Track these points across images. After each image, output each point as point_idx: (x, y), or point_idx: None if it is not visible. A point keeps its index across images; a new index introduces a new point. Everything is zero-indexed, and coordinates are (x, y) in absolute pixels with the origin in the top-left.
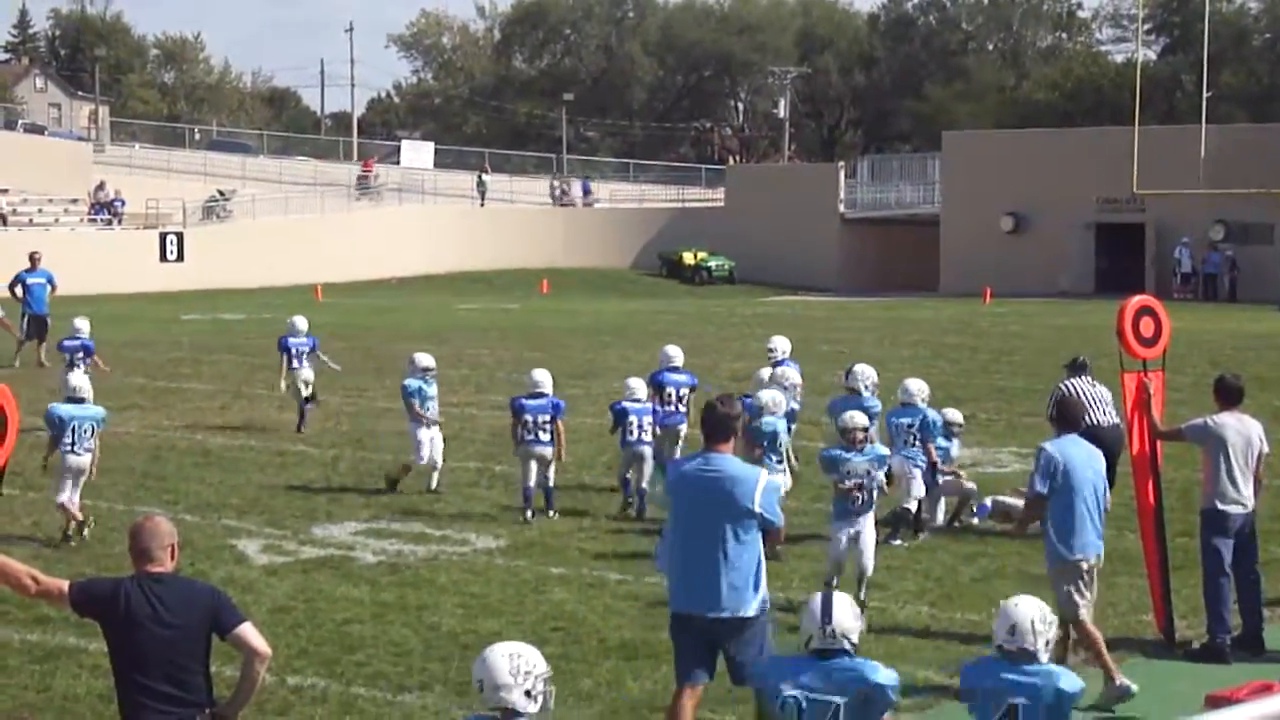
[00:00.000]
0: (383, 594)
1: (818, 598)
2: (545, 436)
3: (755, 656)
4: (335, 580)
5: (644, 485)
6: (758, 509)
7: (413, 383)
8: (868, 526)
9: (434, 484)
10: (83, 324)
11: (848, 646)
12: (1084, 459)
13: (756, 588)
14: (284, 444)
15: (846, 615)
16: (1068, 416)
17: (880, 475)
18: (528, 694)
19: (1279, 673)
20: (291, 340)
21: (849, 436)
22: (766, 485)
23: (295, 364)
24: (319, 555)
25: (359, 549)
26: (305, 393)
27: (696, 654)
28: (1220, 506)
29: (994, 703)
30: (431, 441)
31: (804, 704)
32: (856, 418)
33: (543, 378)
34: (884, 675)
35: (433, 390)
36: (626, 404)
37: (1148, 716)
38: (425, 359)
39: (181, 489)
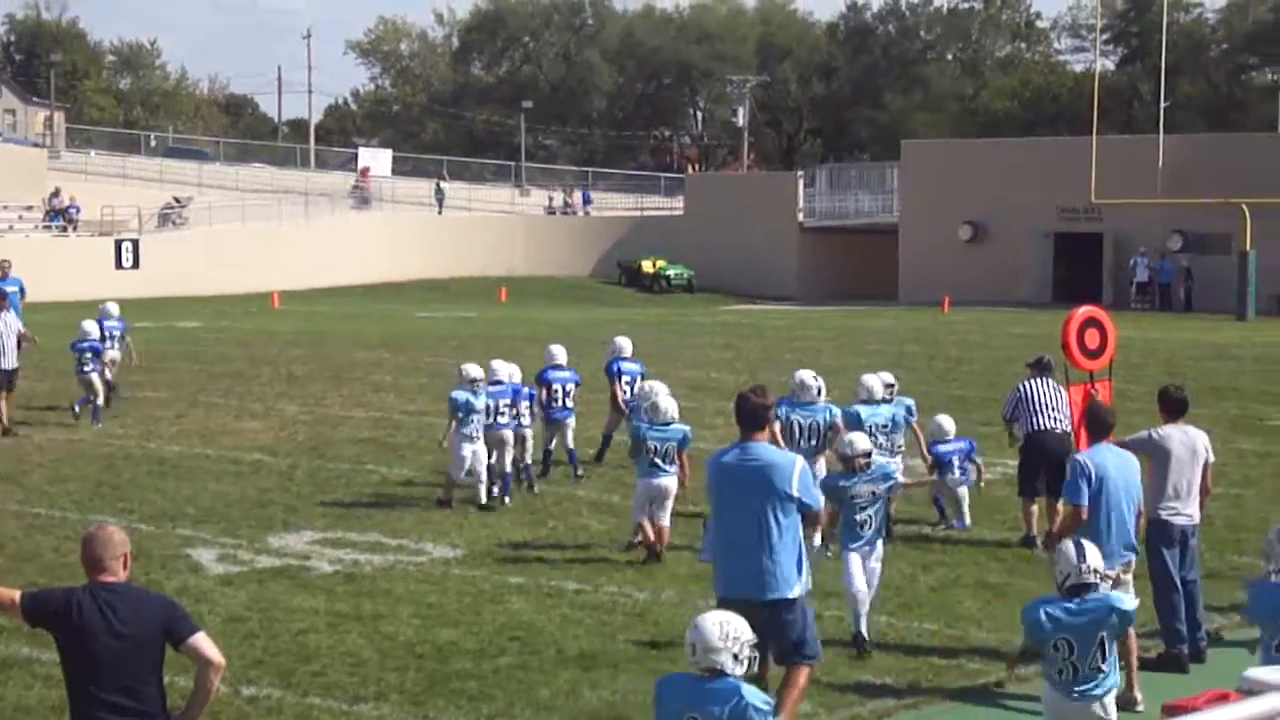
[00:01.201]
0: (339, 604)
1: (1069, 543)
2: (504, 420)
3: (798, 636)
4: (291, 590)
5: (527, 460)
6: (796, 493)
7: (460, 395)
8: (876, 555)
9: (483, 498)
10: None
11: (1098, 580)
12: (1118, 466)
13: (799, 570)
14: (240, 453)
15: (1096, 556)
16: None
17: (889, 487)
18: (735, 657)
19: (1235, 682)
20: (105, 322)
21: (850, 464)
22: (802, 469)
23: (106, 344)
24: (275, 565)
25: (315, 558)
26: (110, 375)
27: None
28: (1165, 517)
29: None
30: (474, 455)
31: (1072, 631)
32: (858, 443)
33: (558, 350)
34: (1129, 603)
35: (480, 403)
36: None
37: None
38: (474, 370)
39: (136, 498)
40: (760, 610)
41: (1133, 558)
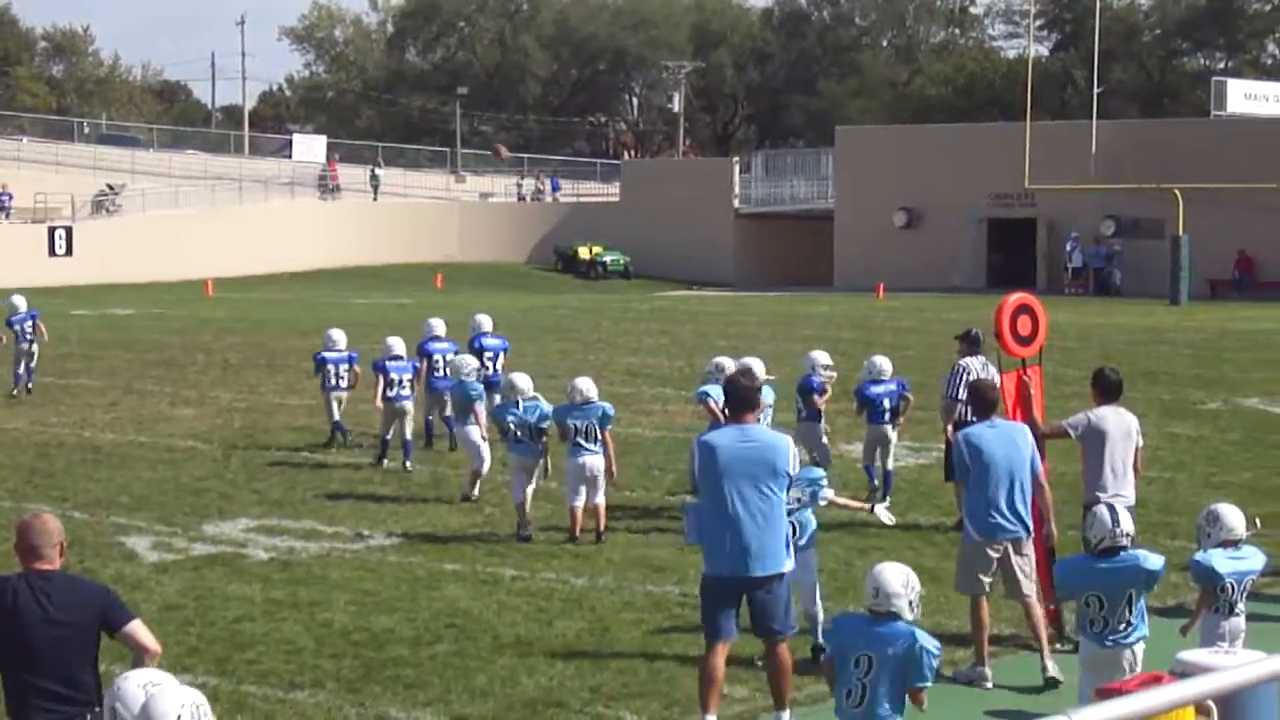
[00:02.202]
0: (274, 591)
1: (1103, 507)
2: (405, 392)
3: (784, 610)
4: (226, 578)
5: (407, 437)
6: (792, 472)
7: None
8: (805, 565)
9: (476, 491)
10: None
11: (1128, 544)
12: (1000, 443)
13: (787, 545)
14: (175, 440)
15: (1129, 521)
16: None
17: (819, 496)
18: (910, 604)
19: (1168, 665)
20: (13, 319)
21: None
22: (795, 450)
23: (22, 340)
24: (210, 552)
25: (250, 546)
26: (32, 364)
27: (732, 613)
28: (1102, 499)
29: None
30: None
31: (1104, 587)
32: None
33: (394, 342)
34: (1154, 561)
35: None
36: (387, 361)
37: (1038, 710)
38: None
39: (70, 486)
40: (752, 585)
41: (1024, 535)
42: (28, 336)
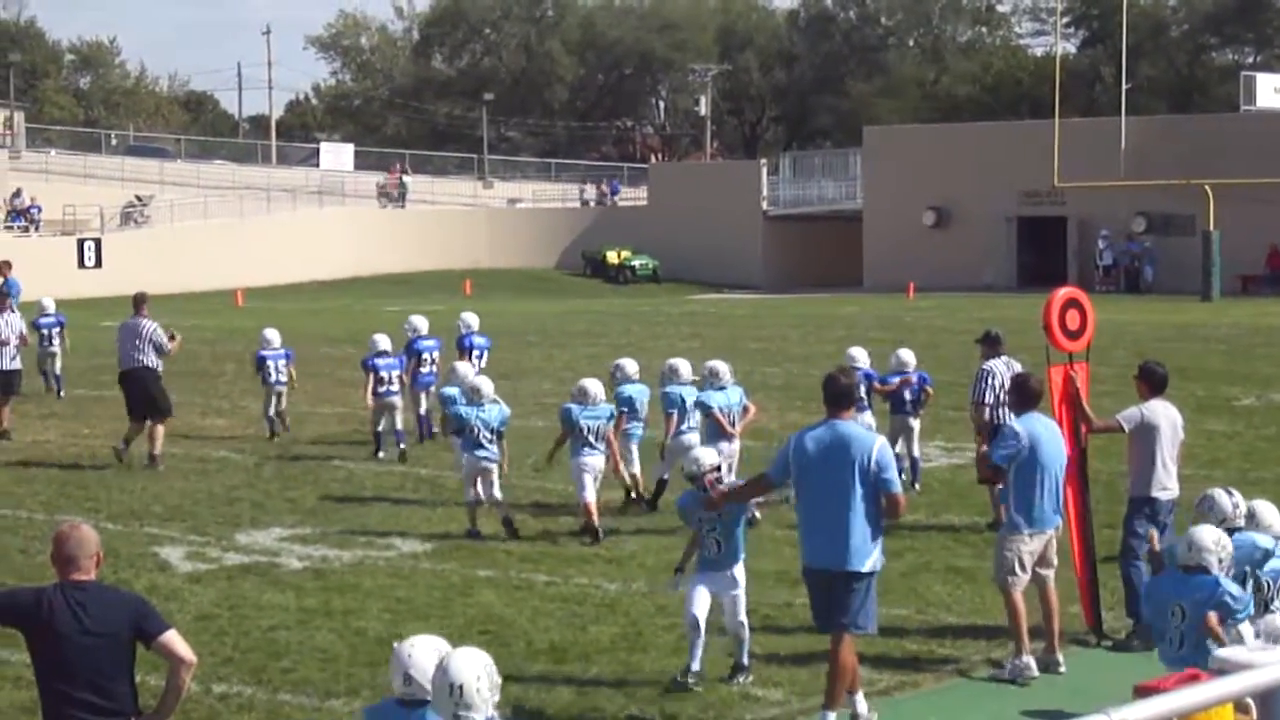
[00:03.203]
0: (308, 600)
1: (1220, 491)
2: (394, 388)
3: (858, 607)
4: (260, 587)
5: (398, 427)
6: (879, 470)
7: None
8: (730, 581)
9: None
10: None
11: (1244, 523)
12: (1047, 436)
13: (876, 542)
14: (207, 450)
15: (1242, 503)
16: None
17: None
18: (1219, 561)
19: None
20: (41, 320)
21: (697, 483)
22: (882, 446)
23: (45, 343)
24: (243, 562)
25: (284, 555)
26: (57, 369)
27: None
28: (1154, 494)
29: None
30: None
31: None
32: (704, 459)
33: (380, 339)
34: (1266, 540)
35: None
36: (375, 359)
37: (1076, 708)
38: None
39: (103, 497)
40: (835, 580)
41: (1060, 522)
42: (53, 341)
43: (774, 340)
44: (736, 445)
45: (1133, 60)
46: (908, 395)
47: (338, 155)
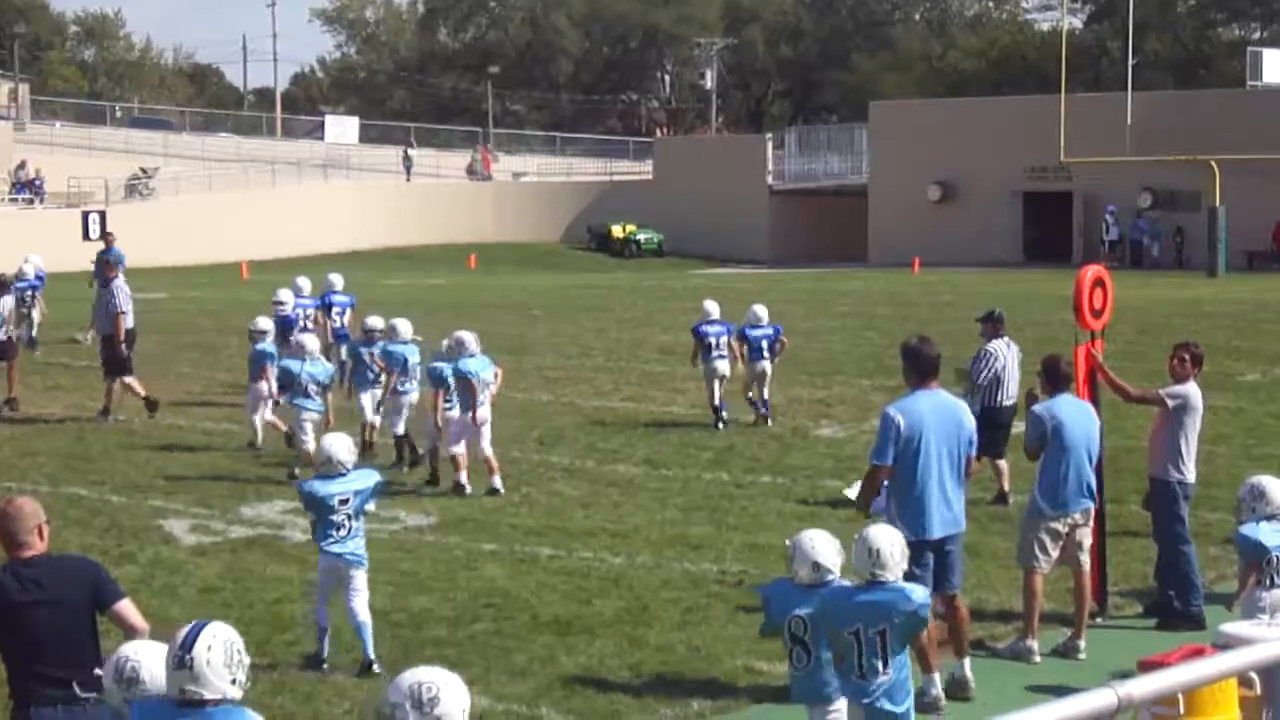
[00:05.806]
0: (312, 572)
1: (1271, 478)
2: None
3: (959, 565)
4: (265, 559)
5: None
6: (971, 432)
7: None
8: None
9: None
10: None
11: None
12: (1076, 417)
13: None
14: (211, 423)
15: None
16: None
17: None
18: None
19: (1210, 637)
20: (18, 284)
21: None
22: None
23: (22, 305)
24: (248, 535)
25: (288, 527)
26: (34, 333)
27: (929, 570)
28: (1184, 478)
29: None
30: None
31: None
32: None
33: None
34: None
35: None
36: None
37: (1082, 681)
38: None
39: (108, 469)
40: (948, 543)
41: (1091, 505)
42: (26, 303)
43: (778, 315)
44: (487, 411)
45: (1139, 35)
46: (765, 345)
47: (343, 128)
